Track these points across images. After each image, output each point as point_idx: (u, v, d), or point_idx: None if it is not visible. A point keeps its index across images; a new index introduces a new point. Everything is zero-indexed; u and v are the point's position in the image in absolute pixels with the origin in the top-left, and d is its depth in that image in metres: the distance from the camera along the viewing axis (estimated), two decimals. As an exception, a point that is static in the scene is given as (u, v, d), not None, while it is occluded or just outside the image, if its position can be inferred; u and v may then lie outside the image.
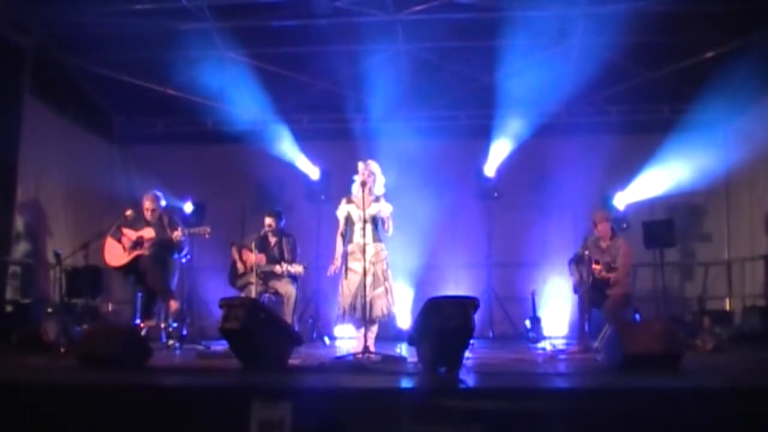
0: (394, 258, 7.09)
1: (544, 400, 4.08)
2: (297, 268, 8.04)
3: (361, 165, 6.85)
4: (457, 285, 10.23)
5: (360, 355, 6.21)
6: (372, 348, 6.43)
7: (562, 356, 6.98)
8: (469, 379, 4.76)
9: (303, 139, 10.90)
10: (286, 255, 8.17)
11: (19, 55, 9.14)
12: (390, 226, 6.78)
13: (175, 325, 8.24)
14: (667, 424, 3.79)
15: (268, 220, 8.28)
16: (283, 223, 8.46)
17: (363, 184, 6.71)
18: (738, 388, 4.32)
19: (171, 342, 8.03)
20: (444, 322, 5.08)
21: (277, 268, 7.97)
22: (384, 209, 6.81)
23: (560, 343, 8.48)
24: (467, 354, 5.73)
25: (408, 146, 10.28)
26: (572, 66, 9.58)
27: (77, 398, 4.21)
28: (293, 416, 3.88)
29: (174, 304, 8.05)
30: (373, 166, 6.86)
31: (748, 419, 3.79)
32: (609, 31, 8.88)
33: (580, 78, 9.68)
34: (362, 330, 6.49)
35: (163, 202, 8.32)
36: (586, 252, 7.84)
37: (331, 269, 6.85)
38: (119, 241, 8.03)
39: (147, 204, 8.17)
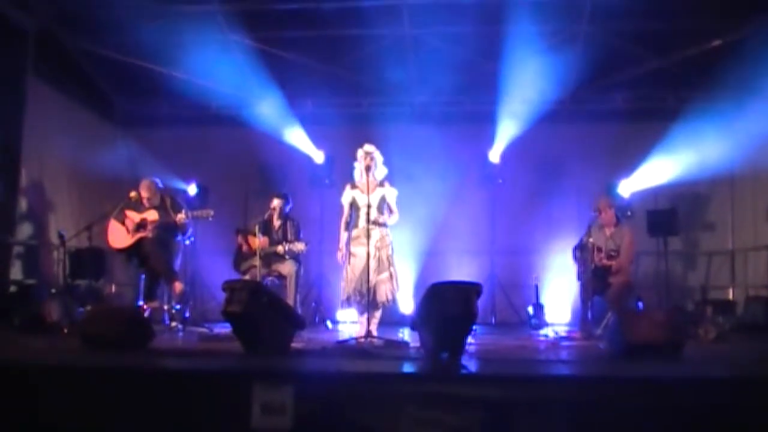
0: (397, 243, 7.09)
1: (545, 386, 4.07)
2: (299, 246, 7.94)
3: (360, 152, 6.89)
4: (460, 271, 10.21)
5: (362, 340, 6.22)
6: (374, 333, 6.44)
7: (565, 343, 6.99)
8: (471, 365, 4.76)
9: (307, 124, 10.88)
10: (290, 237, 8.10)
11: (22, 37, 9.12)
12: (395, 211, 6.81)
13: (178, 307, 8.27)
14: (668, 413, 3.79)
15: (275, 202, 8.18)
16: (289, 207, 8.39)
17: (367, 168, 6.75)
18: (739, 378, 4.31)
19: (174, 324, 8.04)
20: (446, 308, 5.06)
21: (279, 248, 7.92)
22: (389, 194, 6.85)
23: (563, 330, 8.48)
24: (469, 340, 5.73)
25: (412, 131, 10.24)
26: (578, 52, 9.52)
27: (79, 380, 4.21)
28: (295, 400, 3.88)
29: (177, 286, 8.03)
30: (374, 151, 6.88)
31: (749, 409, 3.79)
32: (615, 18, 8.84)
33: (585, 64, 9.64)
34: (365, 314, 6.50)
35: (159, 185, 8.26)
36: (590, 239, 7.84)
37: (340, 256, 6.87)
38: (123, 223, 8.00)
39: (143, 193, 8.05)
